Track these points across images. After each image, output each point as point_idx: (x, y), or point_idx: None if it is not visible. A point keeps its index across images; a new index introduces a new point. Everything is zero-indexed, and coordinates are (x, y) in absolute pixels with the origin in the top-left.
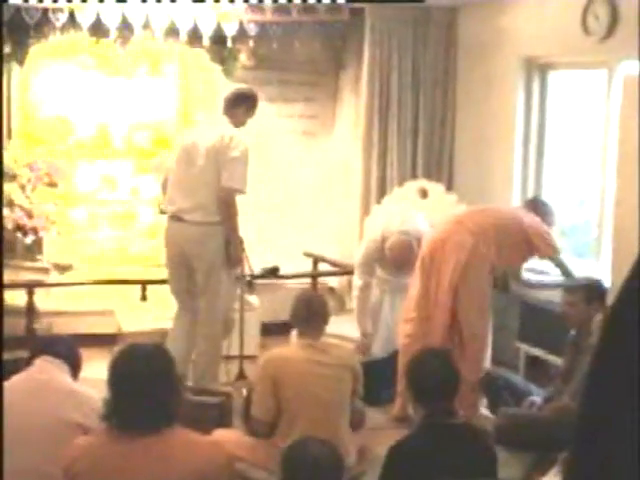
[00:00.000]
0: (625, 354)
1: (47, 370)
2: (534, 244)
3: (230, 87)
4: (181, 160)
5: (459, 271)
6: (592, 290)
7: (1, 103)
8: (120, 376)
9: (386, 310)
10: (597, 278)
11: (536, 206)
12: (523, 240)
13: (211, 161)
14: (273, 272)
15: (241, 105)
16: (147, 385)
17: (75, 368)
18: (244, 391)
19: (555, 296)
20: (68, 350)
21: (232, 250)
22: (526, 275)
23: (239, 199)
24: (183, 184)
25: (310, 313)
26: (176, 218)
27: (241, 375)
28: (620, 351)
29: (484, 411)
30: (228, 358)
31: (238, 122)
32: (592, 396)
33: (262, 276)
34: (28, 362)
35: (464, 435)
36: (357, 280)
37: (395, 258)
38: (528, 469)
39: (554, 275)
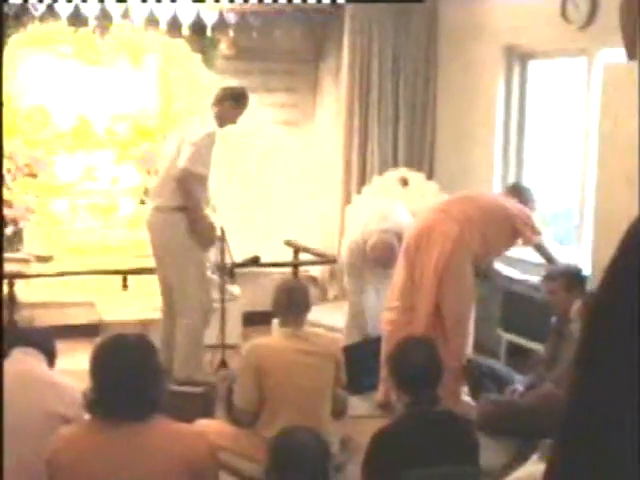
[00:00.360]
0: (615, 338)
1: (26, 361)
2: (518, 230)
3: (211, 77)
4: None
5: (444, 260)
6: (572, 277)
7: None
8: (103, 366)
9: (370, 295)
10: (575, 265)
11: (518, 192)
12: (507, 226)
13: (176, 151)
14: (254, 262)
15: (227, 100)
16: (130, 375)
17: (51, 358)
18: (226, 381)
19: (537, 284)
20: (43, 340)
21: (199, 231)
22: (499, 267)
23: (219, 189)
24: (160, 175)
25: (292, 302)
26: (150, 206)
27: (223, 365)
28: (610, 335)
29: (466, 398)
30: (210, 347)
31: (224, 117)
32: (580, 383)
33: (243, 265)
34: (3, 354)
35: (447, 423)
36: (349, 285)
37: (377, 258)
38: (510, 456)
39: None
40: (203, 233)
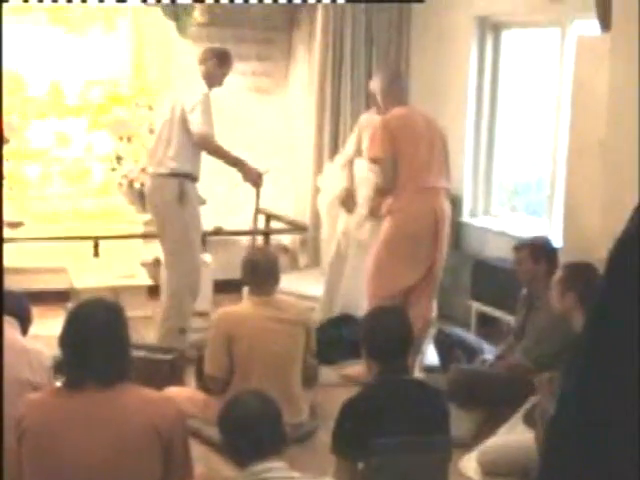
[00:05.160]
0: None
1: None
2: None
3: (184, 44)
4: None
5: (446, 239)
6: (539, 248)
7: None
8: (69, 332)
9: (349, 268)
10: (544, 236)
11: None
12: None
13: (170, 116)
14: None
15: (210, 59)
16: (96, 341)
17: (25, 323)
18: (196, 348)
19: (507, 254)
20: (17, 305)
21: (244, 174)
22: None
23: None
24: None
25: (259, 274)
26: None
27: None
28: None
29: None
30: None
31: (210, 77)
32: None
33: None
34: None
35: (417, 391)
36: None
37: None
38: (479, 426)
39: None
40: (246, 171)
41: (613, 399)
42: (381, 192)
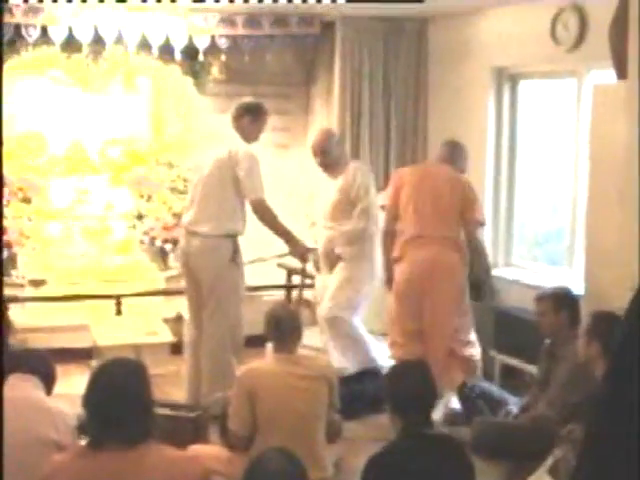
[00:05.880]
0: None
1: (21, 387)
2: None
3: (202, 100)
4: (195, 177)
5: (457, 295)
6: (560, 299)
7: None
8: (95, 392)
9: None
10: (565, 286)
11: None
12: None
13: (219, 175)
14: None
15: (243, 115)
16: (121, 401)
17: (49, 382)
18: (221, 405)
19: (529, 304)
20: (41, 364)
21: (292, 248)
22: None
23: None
24: (195, 199)
25: (281, 330)
26: (186, 231)
27: None
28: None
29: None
30: None
31: (245, 134)
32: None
33: None
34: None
35: (442, 446)
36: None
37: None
38: (504, 478)
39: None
40: (295, 246)
41: (632, 451)
42: (383, 238)
